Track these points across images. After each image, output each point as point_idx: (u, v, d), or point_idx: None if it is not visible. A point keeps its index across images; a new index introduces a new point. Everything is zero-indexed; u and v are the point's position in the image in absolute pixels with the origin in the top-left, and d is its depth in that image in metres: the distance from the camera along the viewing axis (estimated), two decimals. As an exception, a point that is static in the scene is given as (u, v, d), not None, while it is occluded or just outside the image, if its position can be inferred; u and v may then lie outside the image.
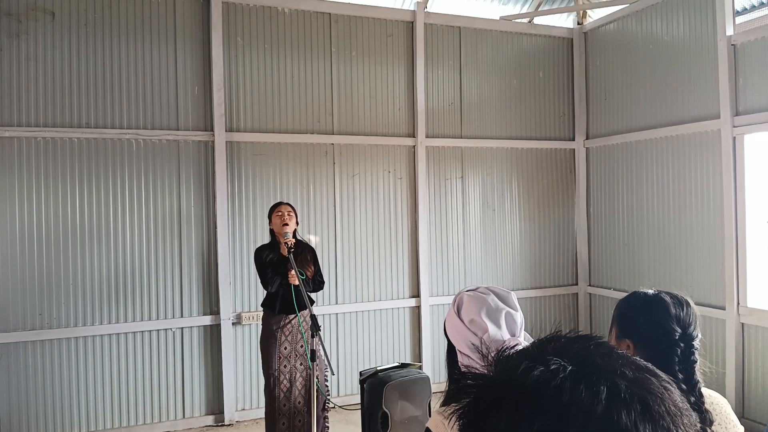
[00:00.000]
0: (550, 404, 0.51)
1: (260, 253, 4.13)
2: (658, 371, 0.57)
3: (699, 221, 5.12)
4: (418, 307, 5.70)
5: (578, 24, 6.45)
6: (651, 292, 1.56)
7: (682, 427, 0.53)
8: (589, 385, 0.51)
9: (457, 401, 0.58)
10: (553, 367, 0.53)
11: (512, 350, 0.60)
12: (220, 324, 5.01)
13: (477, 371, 0.60)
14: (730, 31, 4.83)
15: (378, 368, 3.99)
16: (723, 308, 4.85)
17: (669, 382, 0.56)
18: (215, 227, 5.01)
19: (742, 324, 4.78)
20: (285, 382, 4.04)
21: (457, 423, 0.58)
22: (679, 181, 5.29)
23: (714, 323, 4.88)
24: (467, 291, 1.44)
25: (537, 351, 0.58)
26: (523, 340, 1.38)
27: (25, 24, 4.57)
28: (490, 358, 0.61)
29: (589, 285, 6.35)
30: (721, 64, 4.85)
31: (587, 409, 0.50)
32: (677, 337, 1.44)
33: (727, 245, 4.84)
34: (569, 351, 0.57)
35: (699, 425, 0.57)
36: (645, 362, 0.58)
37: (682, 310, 1.48)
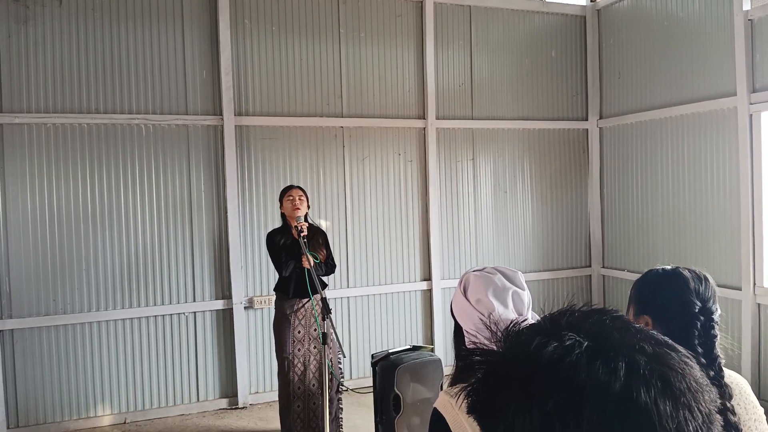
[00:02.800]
0: (565, 382, 0.48)
1: (272, 237, 4.12)
2: (677, 346, 0.54)
3: (714, 201, 5.04)
4: (430, 290, 5.69)
5: (591, 1, 6.32)
6: (668, 267, 1.53)
7: (703, 404, 0.51)
8: (606, 361, 0.49)
9: (465, 380, 0.56)
10: (568, 342, 0.51)
11: (522, 325, 0.57)
12: (232, 308, 5.03)
13: (486, 347, 0.57)
14: (747, 6, 4.71)
15: (390, 351, 3.99)
16: (739, 288, 4.78)
17: (689, 357, 0.54)
18: (226, 211, 5.02)
19: (759, 304, 4.72)
20: (299, 365, 4.06)
21: (465, 401, 0.55)
22: (695, 160, 5.21)
23: (730, 304, 4.82)
24: (474, 271, 1.42)
25: (550, 325, 0.55)
26: (531, 320, 1.35)
27: (32, 10, 4.56)
28: (499, 333, 0.58)
29: (603, 267, 6.30)
30: (737, 40, 4.74)
31: (604, 387, 0.47)
32: (697, 311, 1.42)
33: (743, 225, 4.76)
34: (584, 325, 0.53)
35: (719, 401, 0.55)
36: (664, 337, 0.55)
37: (701, 285, 1.45)
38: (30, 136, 4.56)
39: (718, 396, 0.55)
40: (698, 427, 0.49)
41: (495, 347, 0.57)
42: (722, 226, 4.97)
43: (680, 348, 0.54)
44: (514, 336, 0.56)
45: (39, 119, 4.56)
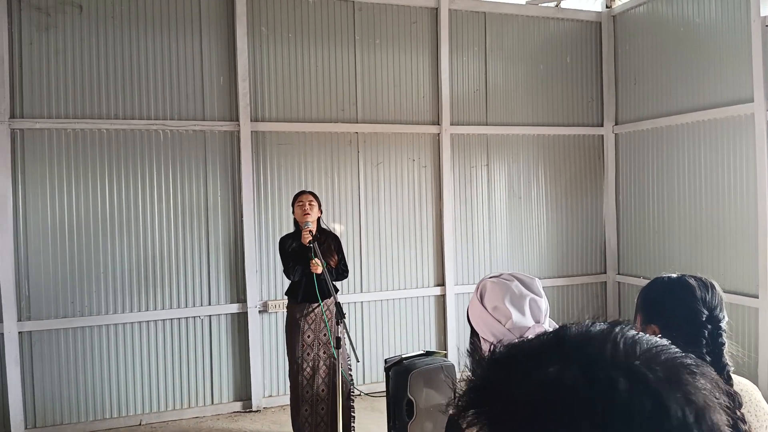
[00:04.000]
0: (616, 422, 0.47)
1: (284, 243, 4.15)
2: (685, 355, 0.54)
3: (732, 207, 5.00)
4: (443, 296, 5.68)
5: (607, 7, 6.31)
6: (674, 275, 1.52)
7: (720, 411, 0.51)
8: (636, 401, 0.47)
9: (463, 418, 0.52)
10: (604, 379, 0.48)
11: (511, 348, 0.54)
12: (247, 312, 5.06)
13: (481, 383, 0.54)
14: (764, 12, 4.67)
15: (403, 356, 3.99)
16: (756, 296, 4.73)
17: (702, 364, 0.54)
18: (241, 216, 5.06)
19: (777, 313, 4.66)
20: (308, 369, 4.07)
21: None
22: (712, 166, 5.17)
23: (747, 311, 4.77)
24: (490, 277, 1.42)
25: (557, 352, 0.52)
26: (549, 327, 1.36)
27: (54, 17, 4.64)
28: (483, 366, 0.54)
29: (618, 273, 6.26)
30: (754, 46, 4.70)
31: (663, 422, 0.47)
32: (704, 319, 1.41)
33: (761, 232, 4.72)
34: (595, 347, 0.51)
35: (727, 399, 0.55)
36: (672, 347, 0.54)
37: (708, 293, 1.45)
38: (50, 141, 4.63)
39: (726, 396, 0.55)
40: None
41: (495, 385, 0.53)
42: (739, 233, 4.93)
43: (690, 357, 0.54)
44: (513, 366, 0.53)
45: (59, 125, 4.63)
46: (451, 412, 0.55)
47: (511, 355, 0.54)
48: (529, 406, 0.49)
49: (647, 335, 0.55)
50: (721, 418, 0.50)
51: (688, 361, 0.53)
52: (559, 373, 0.50)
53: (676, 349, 0.54)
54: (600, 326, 0.55)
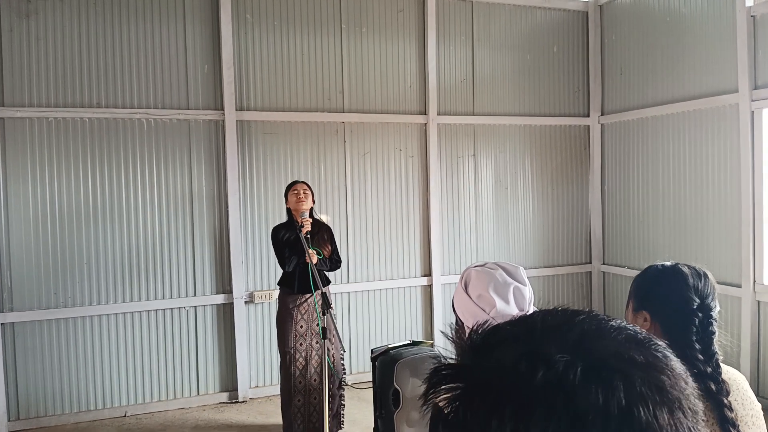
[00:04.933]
0: (563, 410, 0.46)
1: (277, 233, 4.13)
2: (653, 338, 0.53)
3: (715, 198, 5.04)
4: (430, 286, 5.69)
5: (593, -3, 6.31)
6: (669, 263, 1.53)
7: (691, 399, 0.51)
8: (603, 384, 0.47)
9: (436, 394, 0.52)
10: (558, 366, 0.48)
11: (487, 331, 0.54)
12: (233, 302, 5.03)
13: (459, 362, 0.54)
14: (749, 2, 4.70)
15: (389, 346, 3.99)
16: (739, 286, 4.79)
17: (665, 348, 0.53)
18: (227, 206, 5.02)
19: (758, 302, 4.72)
20: (300, 359, 4.07)
21: (441, 423, 0.52)
22: (696, 157, 5.20)
23: (730, 301, 4.82)
24: (475, 266, 1.42)
25: (525, 336, 0.52)
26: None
27: (34, 4, 4.56)
28: (465, 342, 0.54)
29: (603, 263, 6.30)
30: (739, 37, 4.73)
31: (604, 411, 0.46)
32: (695, 307, 1.42)
33: (744, 222, 4.76)
34: (560, 333, 0.51)
35: (706, 388, 0.54)
36: (640, 330, 0.53)
37: (701, 281, 1.46)
38: (32, 130, 4.56)
39: (712, 384, 0.55)
40: (691, 426, 0.49)
41: (468, 360, 0.53)
42: (723, 223, 4.97)
43: (658, 341, 0.53)
44: (486, 350, 0.53)
45: (40, 113, 4.56)
46: (425, 388, 0.54)
47: (485, 336, 0.55)
48: (488, 388, 0.50)
49: (618, 322, 0.54)
50: (684, 411, 0.50)
51: (657, 349, 0.52)
52: (517, 357, 0.50)
53: (644, 335, 0.53)
54: (570, 312, 0.55)
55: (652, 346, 0.52)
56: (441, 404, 0.52)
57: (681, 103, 5.28)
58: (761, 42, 4.65)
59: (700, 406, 0.52)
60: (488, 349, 0.53)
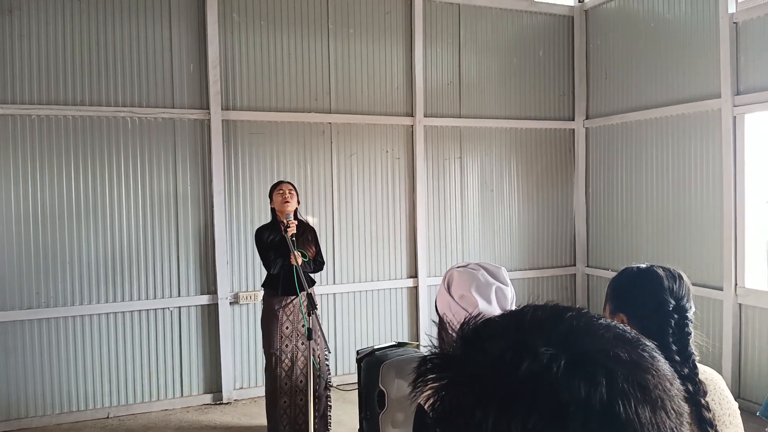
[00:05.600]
0: (545, 402, 0.47)
1: (261, 234, 4.11)
2: (644, 339, 0.54)
3: (698, 201, 5.10)
4: (416, 288, 5.70)
5: (579, 2, 6.36)
6: (643, 265, 1.55)
7: (675, 400, 0.51)
8: (585, 376, 0.47)
9: (424, 383, 0.53)
10: (543, 358, 0.48)
11: (478, 324, 0.55)
12: (217, 303, 5.01)
13: (447, 353, 0.54)
14: (732, 9, 4.76)
15: (375, 347, 3.99)
16: (721, 289, 4.84)
17: (654, 349, 0.54)
18: (212, 206, 4.99)
19: (740, 305, 4.78)
20: (286, 361, 4.06)
21: (430, 411, 0.53)
22: (679, 161, 5.26)
23: (712, 304, 4.88)
24: (457, 267, 1.43)
25: (514, 329, 0.53)
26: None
27: (17, 0, 4.51)
28: (454, 334, 0.55)
29: (587, 266, 6.35)
30: (722, 43, 4.79)
31: (586, 403, 0.46)
32: (671, 309, 1.43)
33: (726, 226, 4.82)
34: (551, 328, 0.52)
35: (684, 389, 0.55)
36: (630, 330, 0.54)
37: (675, 283, 1.47)
38: (14, 127, 4.51)
39: (690, 385, 0.55)
40: (673, 427, 0.50)
41: (457, 351, 0.54)
42: (705, 226, 5.03)
43: (647, 341, 0.54)
44: (475, 342, 0.54)
45: (24, 110, 4.51)
46: (414, 378, 0.55)
47: (477, 329, 0.55)
48: (474, 379, 0.50)
49: (606, 320, 0.55)
50: (668, 412, 0.50)
51: (645, 350, 0.53)
52: (504, 349, 0.50)
53: (633, 335, 0.54)
54: (560, 308, 0.56)
55: (640, 346, 0.53)
56: (427, 393, 0.53)
57: (664, 107, 5.34)
58: (743, 48, 4.72)
59: (685, 408, 0.52)
60: (478, 341, 0.53)
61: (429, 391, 0.53)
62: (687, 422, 0.52)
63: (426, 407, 0.53)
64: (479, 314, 0.57)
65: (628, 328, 0.55)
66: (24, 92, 4.54)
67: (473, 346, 0.54)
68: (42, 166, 4.58)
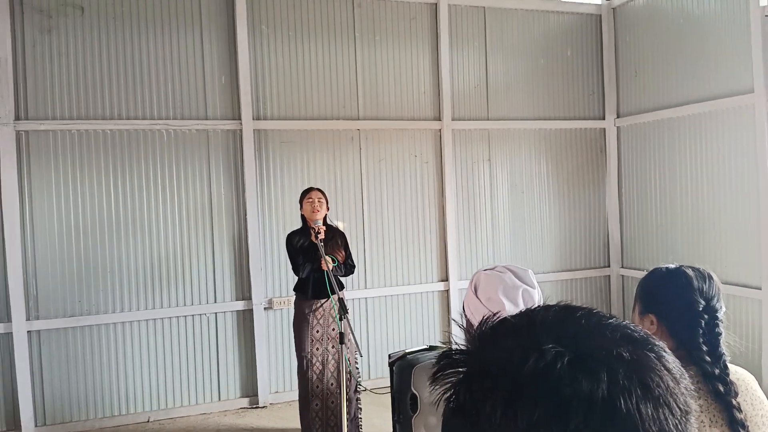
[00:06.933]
0: (549, 397, 0.50)
1: (291, 239, 4.18)
2: (651, 338, 0.56)
3: (733, 199, 5.00)
4: (447, 291, 5.71)
5: (606, 0, 6.30)
6: (672, 266, 1.55)
7: (680, 397, 0.53)
8: (588, 374, 0.50)
9: (443, 377, 0.57)
10: (548, 356, 0.52)
11: (495, 323, 0.58)
12: (252, 309, 5.10)
13: (464, 348, 0.58)
14: (763, 2, 4.67)
15: (406, 351, 4.01)
16: (759, 288, 4.74)
17: (662, 349, 0.56)
18: (245, 214, 5.09)
19: (779, 303, 4.67)
20: (317, 364, 4.11)
21: (445, 405, 0.56)
22: (713, 158, 5.17)
23: (750, 303, 4.78)
24: (485, 270, 1.45)
25: (526, 328, 0.56)
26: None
27: (55, 20, 4.68)
28: (471, 332, 0.59)
29: (622, 267, 6.26)
30: (754, 36, 4.70)
31: (588, 399, 0.49)
32: (701, 309, 1.43)
33: (763, 223, 4.72)
34: (559, 327, 0.55)
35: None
36: (640, 330, 0.56)
37: (705, 283, 1.47)
38: (54, 142, 4.68)
39: (690, 381, 0.57)
40: (677, 423, 0.52)
41: (469, 347, 0.57)
42: (742, 225, 4.93)
43: (657, 341, 0.56)
44: (490, 339, 0.57)
45: (63, 126, 4.67)
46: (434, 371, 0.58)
47: (493, 327, 0.59)
48: (486, 374, 0.54)
49: (618, 321, 0.57)
50: (672, 409, 0.52)
51: (652, 350, 0.55)
52: (514, 346, 0.54)
53: (642, 335, 0.56)
54: (571, 308, 0.59)
55: (647, 346, 0.55)
56: (446, 387, 0.57)
57: (696, 104, 5.25)
58: (777, 41, 4.62)
59: (693, 406, 0.54)
60: (493, 338, 0.57)
61: (447, 385, 0.56)
62: (695, 420, 0.54)
63: (443, 400, 0.57)
64: (497, 313, 0.60)
65: (640, 328, 0.57)
66: (63, 108, 4.70)
67: (488, 342, 0.57)
68: (82, 178, 4.74)
